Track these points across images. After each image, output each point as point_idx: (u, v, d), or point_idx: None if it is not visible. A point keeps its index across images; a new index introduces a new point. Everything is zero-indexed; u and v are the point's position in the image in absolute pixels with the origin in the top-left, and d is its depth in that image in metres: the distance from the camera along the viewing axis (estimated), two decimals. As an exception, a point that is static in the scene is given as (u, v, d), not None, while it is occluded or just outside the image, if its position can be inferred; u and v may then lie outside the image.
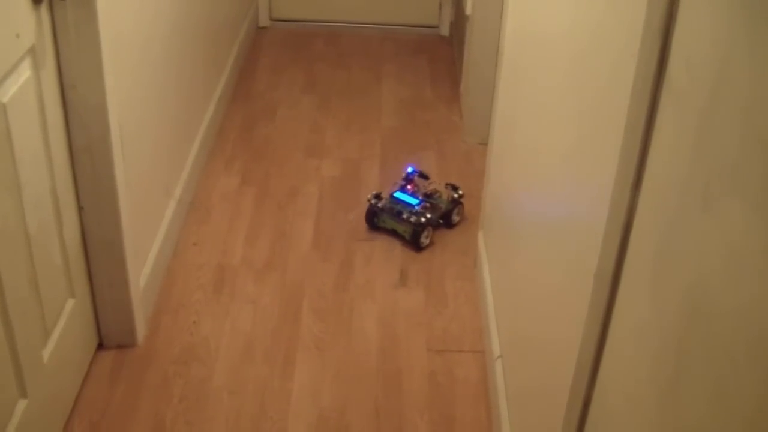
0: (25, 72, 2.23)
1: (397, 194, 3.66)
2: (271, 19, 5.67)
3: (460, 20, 4.86)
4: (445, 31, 5.63)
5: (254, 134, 4.33)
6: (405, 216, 3.52)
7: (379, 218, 3.62)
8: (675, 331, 1.15)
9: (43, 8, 2.31)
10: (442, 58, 5.30)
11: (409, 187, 3.70)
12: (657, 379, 1.21)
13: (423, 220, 3.51)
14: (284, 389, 2.83)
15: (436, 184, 3.77)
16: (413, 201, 3.62)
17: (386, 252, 3.49)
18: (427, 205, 3.60)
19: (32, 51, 2.26)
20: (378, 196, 3.64)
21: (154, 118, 3.16)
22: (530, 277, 2.31)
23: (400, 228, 3.56)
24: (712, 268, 1.05)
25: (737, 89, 1.01)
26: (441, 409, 2.78)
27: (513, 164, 2.68)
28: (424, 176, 3.77)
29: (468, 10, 4.21)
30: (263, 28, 5.63)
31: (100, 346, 2.93)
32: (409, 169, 3.75)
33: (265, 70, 5.06)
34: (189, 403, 2.76)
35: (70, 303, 2.65)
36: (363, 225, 3.65)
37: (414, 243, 3.52)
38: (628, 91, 1.35)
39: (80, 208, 2.67)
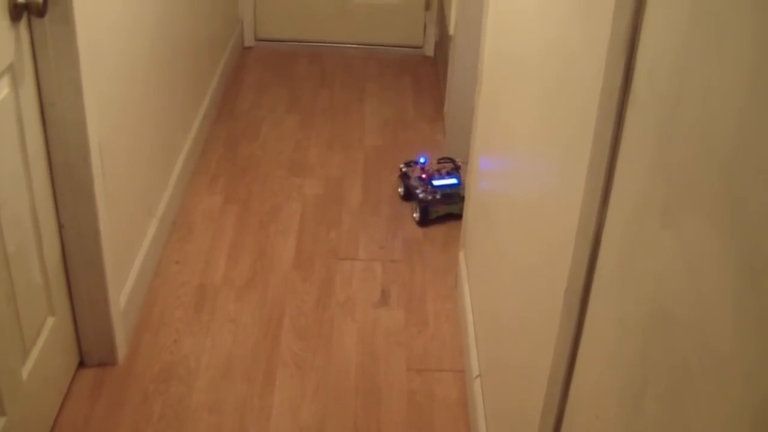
0: (3, 89, 2.22)
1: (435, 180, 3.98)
2: (256, 39, 5.69)
3: (444, 40, 4.87)
4: (429, 51, 5.65)
5: (238, 152, 4.33)
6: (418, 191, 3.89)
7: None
8: (640, 347, 1.16)
9: (22, 25, 2.31)
10: (426, 78, 5.32)
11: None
12: (624, 396, 1.22)
13: (430, 198, 3.84)
14: (264, 407, 2.82)
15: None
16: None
17: (367, 271, 3.50)
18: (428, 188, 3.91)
19: (11, 68, 2.25)
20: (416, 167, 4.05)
21: (136, 136, 3.15)
22: (507, 296, 2.31)
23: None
24: (672, 284, 1.05)
25: (693, 106, 1.02)
26: (420, 428, 2.78)
27: (490, 184, 2.69)
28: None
29: (451, 30, 4.22)
30: (248, 47, 5.65)
31: (81, 364, 2.92)
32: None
33: (250, 89, 5.07)
34: (168, 421, 2.75)
35: (50, 321, 2.64)
36: (345, 243, 3.66)
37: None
38: (596, 109, 1.36)
39: (60, 227, 2.66)
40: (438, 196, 3.85)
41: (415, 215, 3.88)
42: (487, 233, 2.74)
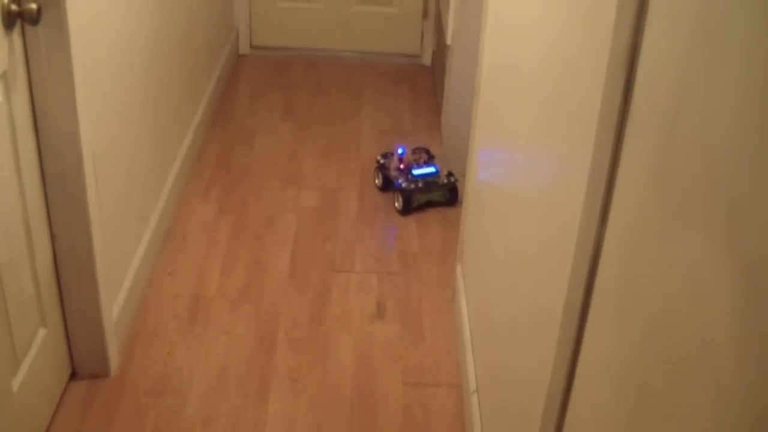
0: (-5, 98, 2.21)
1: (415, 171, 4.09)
2: (252, 47, 5.66)
3: (441, 49, 4.85)
4: (427, 60, 5.62)
5: (232, 162, 4.30)
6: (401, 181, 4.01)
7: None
8: (638, 361, 1.16)
9: (15, 33, 2.30)
10: (423, 87, 5.30)
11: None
12: (623, 411, 1.22)
13: (412, 187, 3.96)
14: (258, 420, 2.79)
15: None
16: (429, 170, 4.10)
17: (363, 283, 3.47)
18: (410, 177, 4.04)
19: (4, 76, 2.24)
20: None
21: (130, 145, 3.13)
22: (504, 310, 2.30)
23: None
24: (671, 299, 1.05)
25: (693, 121, 1.01)
26: (416, 443, 2.76)
27: (489, 197, 2.67)
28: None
29: (448, 40, 4.20)
30: (244, 55, 5.62)
31: (73, 375, 2.90)
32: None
33: (245, 97, 5.05)
34: (161, 434, 2.73)
35: (42, 332, 2.62)
36: (341, 255, 3.63)
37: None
38: (596, 122, 1.35)
39: (53, 236, 2.64)
40: (420, 185, 3.98)
41: (396, 204, 4.00)
42: (484, 246, 2.72)
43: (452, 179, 4.03)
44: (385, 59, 5.64)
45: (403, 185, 3.96)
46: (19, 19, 2.29)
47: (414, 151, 4.19)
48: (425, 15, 5.54)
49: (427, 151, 4.20)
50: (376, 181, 4.17)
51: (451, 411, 2.87)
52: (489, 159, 2.73)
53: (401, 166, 4.09)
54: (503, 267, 2.35)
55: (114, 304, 2.96)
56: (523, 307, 2.03)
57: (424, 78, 5.44)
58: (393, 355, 3.10)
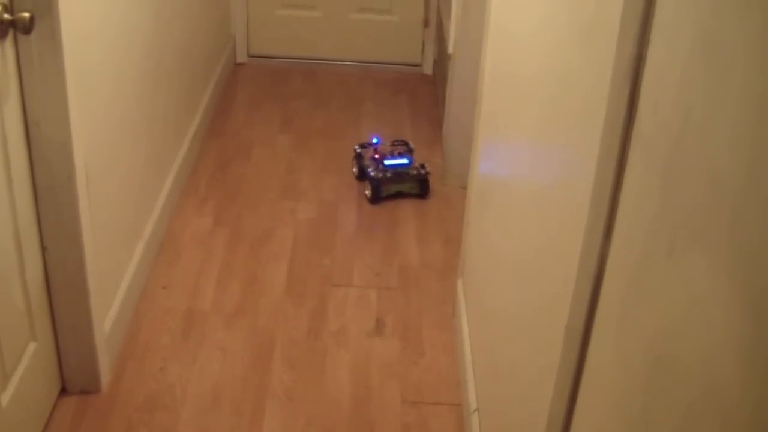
0: (-14, 108, 2.18)
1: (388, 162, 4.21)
2: (249, 56, 5.64)
3: (443, 59, 4.82)
4: (428, 69, 5.60)
5: (228, 173, 4.26)
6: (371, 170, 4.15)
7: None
8: (641, 382, 1.15)
9: (8, 42, 2.29)
10: (424, 97, 5.27)
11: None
12: (624, 430, 1.22)
13: (381, 176, 4.10)
14: (253, 440, 2.75)
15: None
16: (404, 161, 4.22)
17: (362, 298, 3.42)
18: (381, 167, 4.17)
19: (-5, 86, 2.21)
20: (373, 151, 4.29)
21: (123, 156, 3.10)
22: (506, 327, 2.28)
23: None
24: (675, 319, 1.04)
25: (699, 138, 1.00)
26: (415, 465, 2.71)
27: (491, 210, 2.64)
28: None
29: (450, 49, 4.17)
30: (241, 64, 5.59)
31: (63, 391, 2.86)
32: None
33: (242, 106, 5.01)
34: (153, 453, 2.68)
35: (32, 346, 2.59)
36: (339, 269, 3.59)
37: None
38: (599, 135, 1.34)
39: (44, 249, 2.62)
40: (388, 175, 4.10)
41: (367, 192, 4.14)
42: (486, 261, 2.69)
43: (423, 171, 4.15)
44: (385, 68, 5.62)
45: (372, 174, 4.08)
46: (12, 28, 2.29)
47: (393, 143, 4.32)
48: (426, 24, 5.51)
49: (407, 144, 4.32)
50: (354, 170, 4.30)
51: (452, 430, 2.83)
52: (491, 171, 2.70)
53: (375, 156, 4.20)
54: (505, 283, 2.33)
55: (106, 318, 2.92)
56: (526, 325, 2.01)
57: (425, 88, 5.41)
58: (392, 373, 3.05)
